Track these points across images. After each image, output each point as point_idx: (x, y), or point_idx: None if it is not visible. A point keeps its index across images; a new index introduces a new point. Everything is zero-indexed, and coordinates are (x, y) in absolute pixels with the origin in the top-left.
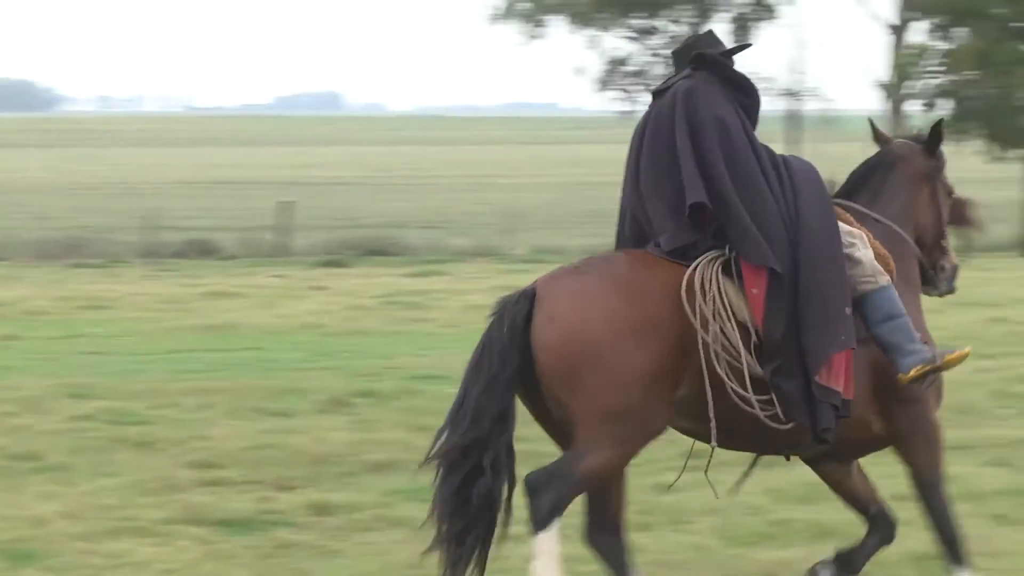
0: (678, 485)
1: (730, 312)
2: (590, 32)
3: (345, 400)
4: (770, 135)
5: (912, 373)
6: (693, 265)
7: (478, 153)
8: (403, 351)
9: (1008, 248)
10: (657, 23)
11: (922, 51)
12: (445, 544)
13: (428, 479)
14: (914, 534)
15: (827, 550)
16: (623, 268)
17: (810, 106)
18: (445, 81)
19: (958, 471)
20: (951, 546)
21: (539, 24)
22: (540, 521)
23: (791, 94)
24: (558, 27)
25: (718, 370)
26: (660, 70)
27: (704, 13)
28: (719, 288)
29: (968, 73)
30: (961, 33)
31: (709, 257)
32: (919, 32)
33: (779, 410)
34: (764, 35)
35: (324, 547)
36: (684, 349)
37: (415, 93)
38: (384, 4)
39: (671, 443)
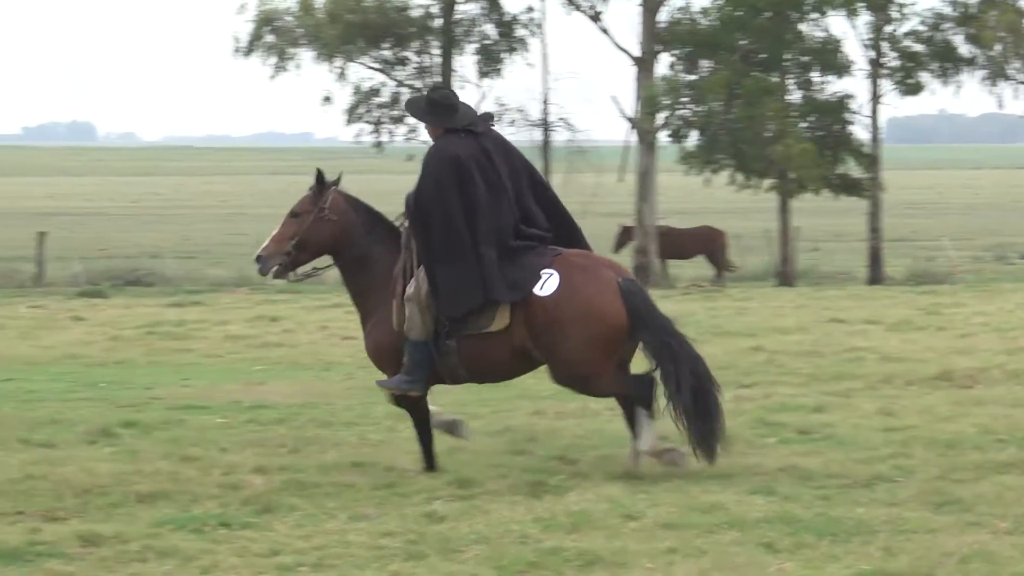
0: (448, 513)
1: None
2: (337, 63)
3: (110, 431)
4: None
5: None
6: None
7: (230, 183)
8: (165, 382)
9: (763, 278)
10: (406, 53)
11: (669, 83)
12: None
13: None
14: None
15: None
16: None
17: (560, 137)
18: (196, 112)
19: (723, 499)
20: None
21: (285, 57)
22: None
23: (541, 125)
24: (305, 59)
25: None
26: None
27: (452, 44)
28: None
29: (716, 104)
30: (707, 64)
31: None
32: (665, 64)
33: None
34: (513, 66)
35: None
36: None
37: (166, 123)
38: (134, 34)
39: (443, 471)
